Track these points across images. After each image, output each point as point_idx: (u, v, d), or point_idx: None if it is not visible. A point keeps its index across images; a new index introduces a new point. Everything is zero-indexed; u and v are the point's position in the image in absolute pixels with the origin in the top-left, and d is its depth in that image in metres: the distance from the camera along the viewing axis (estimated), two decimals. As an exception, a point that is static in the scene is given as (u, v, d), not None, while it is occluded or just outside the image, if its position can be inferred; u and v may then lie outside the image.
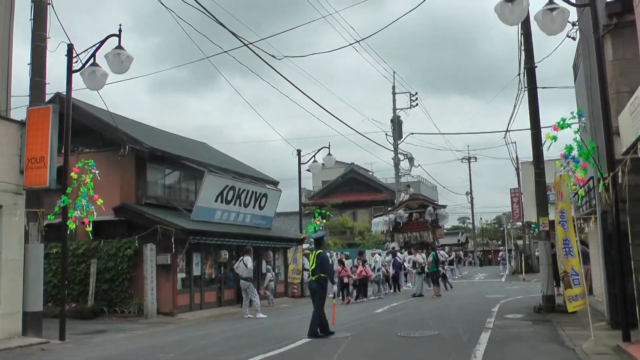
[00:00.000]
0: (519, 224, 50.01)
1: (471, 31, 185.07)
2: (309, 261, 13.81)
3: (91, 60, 13.48)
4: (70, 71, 13.75)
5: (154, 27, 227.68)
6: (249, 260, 18.25)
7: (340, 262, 23.11)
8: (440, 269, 25.91)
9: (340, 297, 22.09)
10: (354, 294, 22.87)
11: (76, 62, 13.71)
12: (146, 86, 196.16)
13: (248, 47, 17.32)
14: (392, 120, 45.27)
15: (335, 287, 12.80)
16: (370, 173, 65.60)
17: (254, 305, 17.99)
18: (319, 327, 12.62)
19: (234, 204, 22.07)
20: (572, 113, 10.90)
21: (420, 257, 26.14)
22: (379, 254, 26.61)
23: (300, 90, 20.01)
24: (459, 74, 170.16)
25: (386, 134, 44.52)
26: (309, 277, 25.77)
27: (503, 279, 37.66)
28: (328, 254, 13.72)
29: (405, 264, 28.62)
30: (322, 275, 12.92)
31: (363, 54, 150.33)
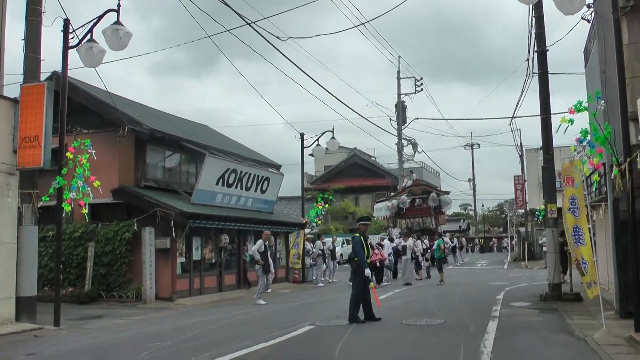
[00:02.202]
0: (522, 211, 49.83)
1: (474, 19, 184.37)
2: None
3: (88, 36, 13.01)
4: (66, 47, 13.24)
5: (153, 9, 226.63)
6: (258, 242, 17.97)
7: (379, 245, 22.67)
8: (441, 255, 25.36)
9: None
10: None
11: (72, 38, 13.23)
12: (145, 69, 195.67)
13: (251, 27, 16.90)
14: (396, 105, 44.86)
15: (367, 271, 12.60)
16: (373, 158, 65.32)
17: (256, 290, 17.60)
18: (364, 312, 12.60)
19: (236, 188, 21.68)
20: (589, 95, 10.50)
21: (411, 242, 24.96)
22: (389, 240, 26.05)
23: (305, 72, 19.63)
24: (462, 62, 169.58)
25: (390, 119, 44.13)
26: (311, 262, 25.63)
27: (505, 266, 37.48)
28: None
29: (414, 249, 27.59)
30: (355, 259, 12.85)
31: (367, 39, 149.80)
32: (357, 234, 13.30)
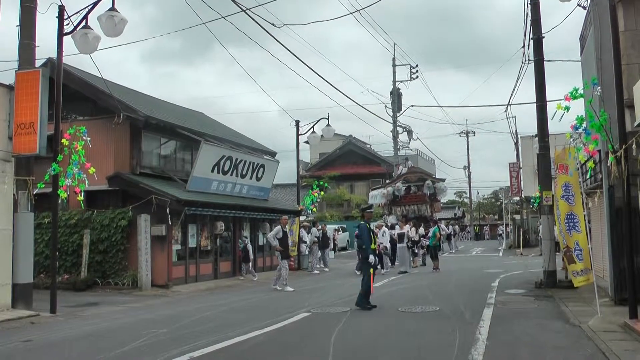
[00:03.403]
0: (517, 198, 49.90)
1: (468, 6, 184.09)
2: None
3: (83, 23, 12.94)
4: (61, 34, 13.18)
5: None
6: (275, 228, 17.79)
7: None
8: (437, 243, 25.24)
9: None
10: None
11: (67, 24, 13.17)
12: (139, 57, 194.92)
13: (247, 14, 16.79)
14: (391, 93, 44.75)
15: (371, 257, 12.84)
16: (369, 146, 65.24)
17: (281, 276, 17.35)
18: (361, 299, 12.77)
19: (231, 175, 21.65)
20: (585, 82, 10.50)
21: (408, 229, 24.74)
22: (387, 227, 25.88)
23: (300, 59, 19.44)
24: (457, 49, 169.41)
25: (386, 106, 44.09)
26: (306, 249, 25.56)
27: (500, 254, 37.56)
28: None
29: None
30: (363, 247, 13.13)
31: (362, 26, 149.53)
32: (363, 221, 13.53)
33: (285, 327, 10.50)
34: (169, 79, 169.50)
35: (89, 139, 14.05)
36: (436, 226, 26.30)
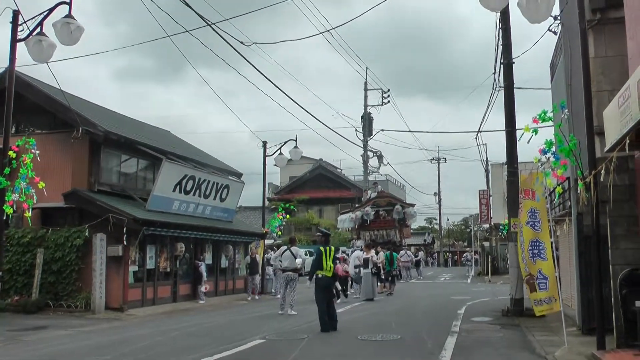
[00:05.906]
0: (486, 225, 49.89)
1: (440, 35, 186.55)
2: (322, 257, 13.12)
3: (38, 29, 12.34)
4: (14, 40, 12.64)
5: (119, 15, 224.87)
6: (297, 250, 16.99)
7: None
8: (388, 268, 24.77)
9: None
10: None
11: (22, 30, 12.60)
12: (112, 75, 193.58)
13: (212, 28, 16.36)
14: (362, 117, 44.60)
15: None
16: (339, 170, 65.09)
17: (292, 300, 16.52)
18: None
19: (193, 195, 21.05)
20: (554, 105, 10.24)
21: (374, 254, 23.61)
22: (359, 250, 25.12)
23: (270, 81, 18.91)
24: (427, 77, 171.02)
25: (356, 130, 43.85)
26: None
27: (469, 280, 37.36)
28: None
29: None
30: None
31: (333, 51, 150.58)
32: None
33: (236, 355, 9.94)
34: (141, 98, 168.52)
35: (37, 152, 13.40)
36: (387, 252, 25.77)
